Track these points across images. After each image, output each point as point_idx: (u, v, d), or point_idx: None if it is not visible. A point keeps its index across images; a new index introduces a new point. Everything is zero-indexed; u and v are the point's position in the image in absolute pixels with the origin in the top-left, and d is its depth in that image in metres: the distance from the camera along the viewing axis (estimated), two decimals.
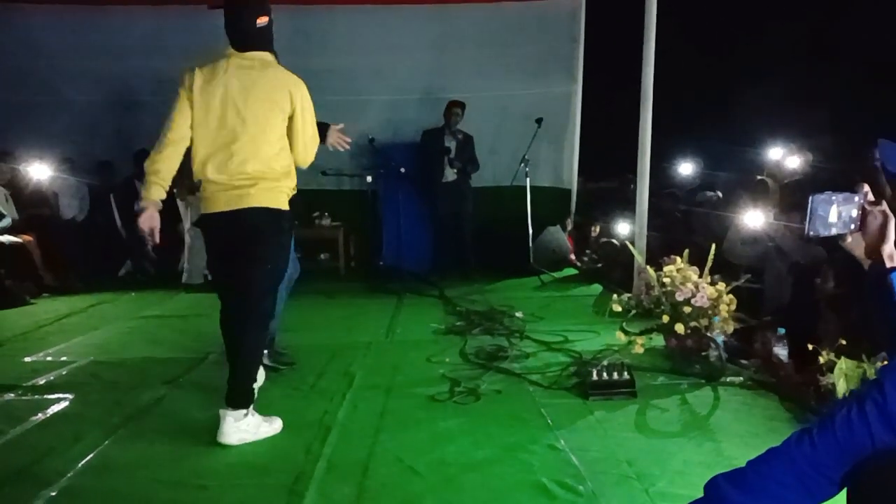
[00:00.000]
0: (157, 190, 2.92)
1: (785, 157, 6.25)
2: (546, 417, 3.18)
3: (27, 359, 4.32)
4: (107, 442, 2.97)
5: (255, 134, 2.98)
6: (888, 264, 1.55)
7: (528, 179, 7.28)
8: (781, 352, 3.70)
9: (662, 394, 3.49)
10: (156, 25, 7.54)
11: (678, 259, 4.08)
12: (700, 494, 1.52)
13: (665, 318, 3.92)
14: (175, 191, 6.14)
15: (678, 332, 3.84)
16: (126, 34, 7.61)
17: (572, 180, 8.40)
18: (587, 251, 7.59)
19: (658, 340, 4.15)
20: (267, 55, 3.09)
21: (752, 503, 1.43)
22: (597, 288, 6.44)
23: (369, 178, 7.44)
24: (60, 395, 3.57)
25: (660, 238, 5.70)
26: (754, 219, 4.66)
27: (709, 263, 3.99)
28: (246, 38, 3.03)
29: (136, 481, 2.62)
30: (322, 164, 7.37)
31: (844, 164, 5.64)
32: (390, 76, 7.92)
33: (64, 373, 4.00)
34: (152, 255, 7.15)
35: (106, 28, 7.65)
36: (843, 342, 3.17)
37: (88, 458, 2.81)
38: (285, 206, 3.10)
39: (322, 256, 7.74)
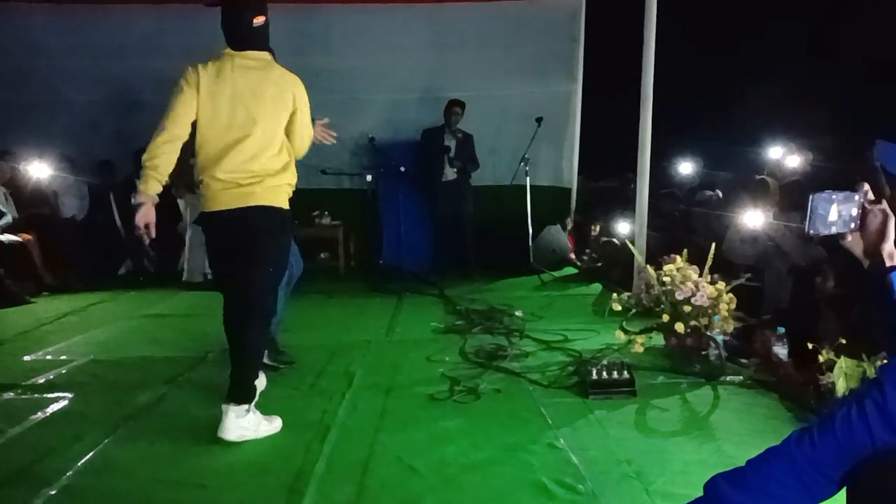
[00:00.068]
0: (154, 184, 2.92)
1: (785, 157, 6.25)
2: (546, 416, 3.18)
3: (27, 358, 4.32)
4: (106, 441, 2.97)
5: (263, 133, 3.03)
6: (888, 263, 1.55)
7: (528, 179, 7.28)
8: (781, 351, 3.70)
9: (662, 393, 3.49)
10: (156, 25, 7.54)
11: (678, 258, 4.08)
12: (700, 494, 1.52)
13: (665, 318, 3.92)
14: (173, 189, 6.15)
15: (678, 331, 3.85)
16: (126, 34, 7.61)
17: (572, 180, 8.40)
18: (587, 250, 7.59)
19: (658, 339, 4.15)
20: (267, 55, 3.12)
21: (751, 502, 1.43)
22: (596, 287, 6.44)
23: (369, 178, 7.44)
24: (60, 395, 3.57)
25: (659, 237, 5.70)
26: (754, 218, 4.66)
27: (709, 262, 3.99)
28: (243, 38, 3.04)
29: (135, 480, 2.62)
30: (322, 163, 7.39)
31: (844, 163, 5.64)
32: (390, 75, 7.92)
33: (64, 372, 4.00)
34: (152, 254, 7.15)
35: (106, 28, 7.66)
36: (843, 341, 3.17)
37: (88, 457, 2.81)
38: (287, 206, 3.14)
39: (322, 256, 7.74)
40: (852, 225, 1.59)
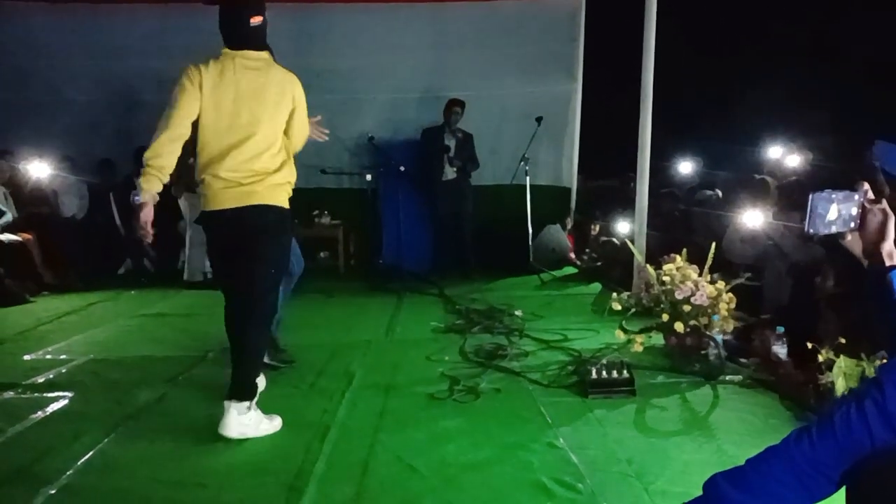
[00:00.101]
0: (156, 183, 2.92)
1: (784, 156, 6.25)
2: (545, 416, 3.18)
3: (27, 357, 4.31)
4: (106, 440, 2.97)
5: (265, 133, 3.05)
6: (887, 262, 1.55)
7: (527, 178, 7.29)
8: (781, 350, 3.70)
9: (662, 392, 3.49)
10: (156, 25, 7.54)
11: (678, 258, 4.09)
12: (699, 493, 1.52)
13: (664, 317, 3.92)
14: (173, 189, 6.14)
15: (678, 330, 3.85)
16: (127, 34, 7.61)
17: (572, 179, 8.40)
18: (587, 250, 7.59)
19: (657, 339, 4.15)
20: (266, 54, 3.13)
21: (751, 502, 1.43)
22: (596, 286, 6.44)
23: (369, 177, 7.44)
24: (60, 394, 3.57)
25: (659, 237, 5.70)
26: (753, 218, 4.66)
27: (708, 262, 3.99)
28: (240, 37, 3.05)
29: (135, 480, 2.62)
30: (322, 162, 7.40)
31: (844, 163, 5.64)
32: (390, 75, 7.92)
33: (63, 371, 4.00)
34: (151, 254, 7.15)
35: (106, 27, 7.65)
36: (843, 341, 3.17)
37: (88, 456, 2.81)
38: (287, 206, 3.16)
39: (321, 255, 7.74)
40: (852, 224, 1.59)
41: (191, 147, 3.06)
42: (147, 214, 2.90)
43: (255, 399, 3.03)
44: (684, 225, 6.16)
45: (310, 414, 3.25)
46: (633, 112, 5.51)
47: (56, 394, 3.57)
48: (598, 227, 7.54)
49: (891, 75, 8.26)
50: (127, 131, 7.58)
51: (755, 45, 9.81)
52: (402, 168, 7.22)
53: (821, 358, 3.17)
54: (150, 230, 2.91)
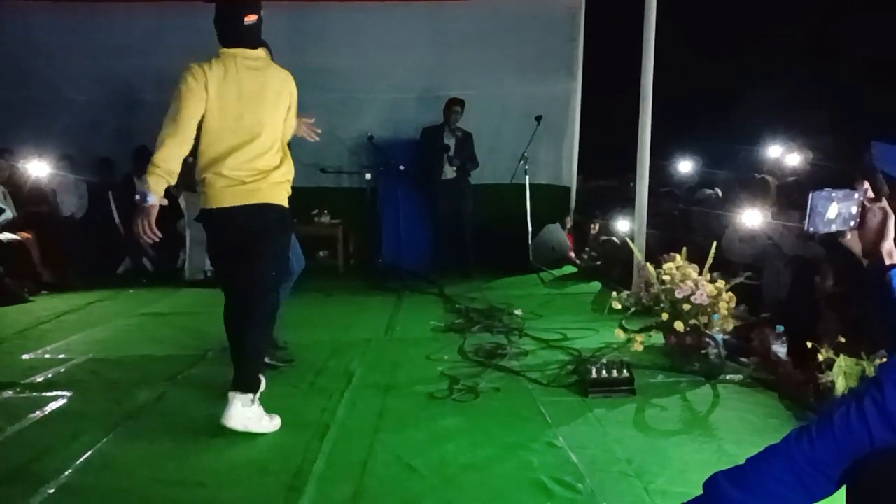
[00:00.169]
0: (164, 186, 2.93)
1: (784, 156, 6.25)
2: (545, 415, 3.18)
3: (25, 356, 4.31)
4: (105, 440, 2.97)
5: (269, 132, 3.08)
6: (887, 261, 1.55)
7: (527, 177, 7.28)
8: (780, 349, 3.70)
9: (662, 392, 3.49)
10: (155, 23, 7.53)
11: (677, 257, 4.08)
12: (699, 492, 1.52)
13: (664, 316, 3.92)
14: (173, 188, 6.13)
15: (677, 329, 3.84)
16: (126, 33, 7.60)
17: (572, 178, 8.39)
18: (586, 249, 7.57)
19: (657, 338, 4.15)
20: (263, 53, 3.15)
21: (751, 501, 1.43)
22: (596, 286, 6.43)
23: (368, 176, 7.44)
24: (59, 393, 3.56)
25: (659, 236, 5.70)
26: (753, 217, 4.66)
27: (709, 261, 3.99)
28: (235, 35, 3.05)
29: (135, 479, 2.61)
30: (321, 161, 7.39)
31: (844, 163, 5.64)
32: (390, 74, 7.91)
33: (62, 370, 4.00)
34: (151, 253, 7.14)
35: (106, 26, 7.64)
36: (843, 340, 3.17)
37: (87, 455, 2.81)
38: (287, 205, 3.18)
39: (321, 254, 7.73)
40: (852, 223, 1.58)
41: (191, 147, 3.06)
42: (153, 216, 2.90)
43: (259, 393, 3.04)
44: (684, 224, 6.16)
45: (309, 413, 3.25)
46: (633, 111, 5.50)
47: (55, 393, 3.57)
48: (597, 226, 7.53)
49: (891, 75, 8.25)
50: (126, 130, 7.59)
51: (755, 45, 9.81)
52: (401, 167, 7.21)
53: (821, 357, 3.17)
54: (156, 232, 2.92)
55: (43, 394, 3.59)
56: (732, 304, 3.89)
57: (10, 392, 3.62)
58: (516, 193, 7.36)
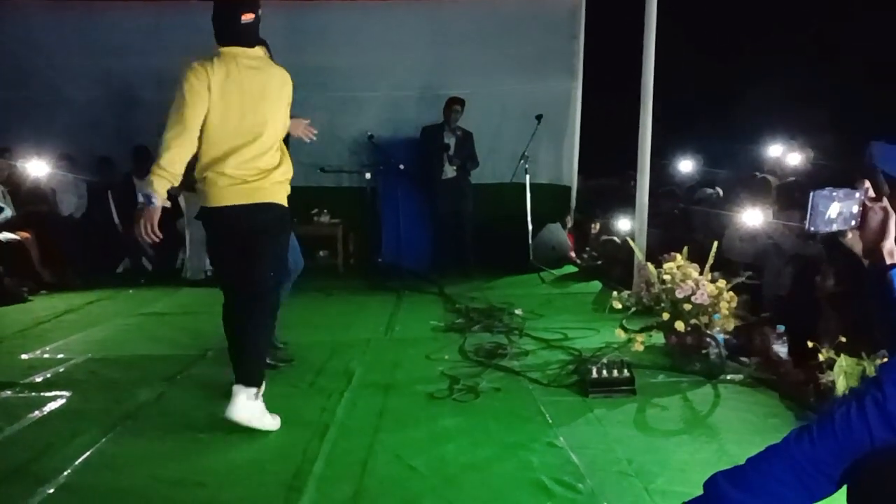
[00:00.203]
0: (167, 187, 2.94)
1: (785, 155, 6.24)
2: (545, 415, 3.17)
3: (25, 356, 4.30)
4: (105, 439, 2.96)
5: (270, 132, 3.10)
6: (888, 261, 1.54)
7: (527, 176, 7.27)
8: (781, 349, 3.69)
9: (662, 391, 3.49)
10: (153, 22, 7.52)
11: (678, 256, 4.07)
12: (700, 492, 1.51)
13: (665, 316, 3.91)
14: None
15: (678, 329, 3.84)
16: (125, 31, 7.59)
17: (572, 177, 8.39)
18: (587, 248, 7.57)
19: (658, 338, 4.14)
20: (261, 52, 3.16)
21: (751, 501, 1.43)
22: (596, 285, 6.43)
23: (368, 175, 7.43)
24: (58, 393, 3.56)
25: (659, 235, 5.69)
26: (753, 217, 4.65)
27: (710, 261, 3.98)
28: (231, 34, 3.05)
29: (134, 478, 2.61)
30: (321, 161, 7.38)
31: (845, 162, 5.64)
32: (389, 73, 7.90)
33: (62, 370, 3.99)
34: (150, 252, 7.13)
35: (105, 25, 7.63)
36: (843, 339, 3.16)
37: (86, 455, 2.80)
38: (287, 204, 3.19)
39: (321, 254, 7.72)
40: (853, 222, 1.58)
41: None
42: (157, 217, 2.91)
43: (263, 389, 3.04)
44: (684, 223, 6.15)
45: (309, 413, 3.24)
46: (634, 110, 5.49)
47: (54, 393, 3.56)
48: (598, 226, 7.52)
49: (891, 75, 8.25)
50: (126, 129, 7.58)
51: (755, 44, 9.80)
52: (401, 166, 7.20)
53: (821, 357, 3.16)
54: (159, 233, 2.92)
55: (42, 393, 3.58)
56: (733, 304, 3.88)
57: (10, 392, 3.62)
58: (516, 193, 7.35)
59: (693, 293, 3.82)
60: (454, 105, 7.18)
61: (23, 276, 6.31)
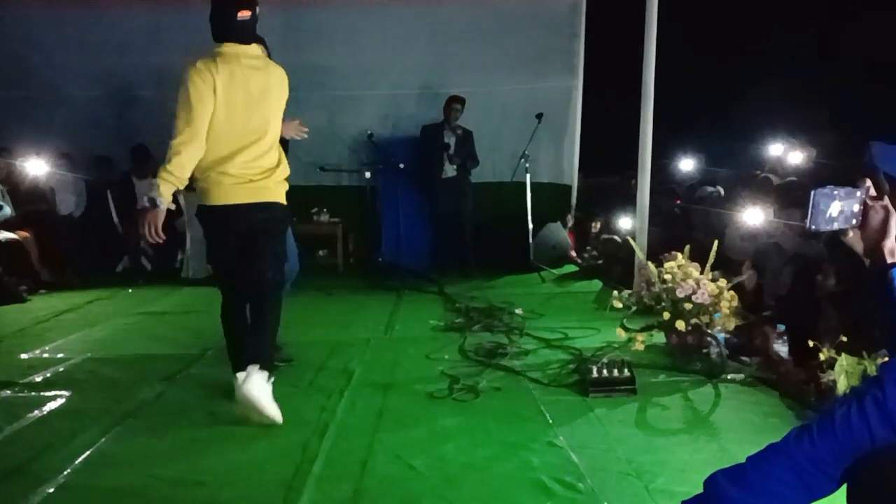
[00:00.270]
0: (172, 191, 2.95)
1: (786, 154, 6.24)
2: (546, 415, 3.17)
3: (24, 355, 4.30)
4: (104, 439, 2.96)
5: (272, 132, 3.13)
6: (889, 260, 1.54)
7: (528, 175, 7.26)
8: (782, 349, 3.69)
9: (663, 391, 3.48)
10: (154, 21, 7.51)
11: (679, 255, 4.07)
12: (700, 491, 1.51)
13: (666, 315, 3.90)
14: None
15: (679, 328, 3.83)
16: (125, 30, 7.58)
17: (573, 176, 8.37)
18: (587, 247, 7.56)
19: (659, 337, 4.14)
20: (260, 51, 3.17)
21: (751, 499, 1.43)
22: (597, 284, 6.42)
23: (368, 174, 7.42)
24: (57, 392, 3.55)
25: (660, 234, 5.69)
26: (754, 216, 4.65)
27: (710, 260, 3.97)
28: (228, 31, 3.06)
29: (134, 478, 2.60)
30: (320, 159, 7.38)
31: (845, 161, 5.63)
32: (389, 71, 7.89)
33: (61, 369, 3.99)
34: (149, 251, 7.13)
35: (105, 24, 7.62)
36: (844, 339, 3.16)
37: (86, 454, 2.80)
38: (286, 202, 3.22)
39: (320, 253, 7.73)
40: (854, 221, 1.57)
41: None
42: (161, 220, 2.92)
43: (272, 378, 3.06)
44: (685, 222, 6.15)
45: (308, 412, 3.24)
46: (635, 108, 5.48)
47: (54, 392, 3.56)
48: (598, 225, 7.52)
49: (891, 75, 8.24)
50: (125, 128, 7.58)
51: (756, 43, 9.79)
52: (401, 165, 7.19)
53: (822, 356, 3.16)
54: (163, 234, 2.93)
55: (42, 393, 3.58)
56: (734, 303, 3.88)
57: (9, 391, 3.62)
58: (517, 191, 7.34)
59: (694, 292, 3.81)
60: (454, 104, 7.17)
61: (22, 275, 6.30)
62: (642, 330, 4.04)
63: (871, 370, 2.86)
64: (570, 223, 8.04)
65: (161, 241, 2.98)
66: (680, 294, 3.83)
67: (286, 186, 3.21)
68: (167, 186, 2.89)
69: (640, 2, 5.42)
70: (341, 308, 5.72)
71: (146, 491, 2.50)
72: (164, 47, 6.85)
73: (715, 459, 2.63)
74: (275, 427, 3.02)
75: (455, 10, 7.82)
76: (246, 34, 3.08)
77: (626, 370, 3.47)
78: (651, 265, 4.11)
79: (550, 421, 3.09)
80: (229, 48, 3.03)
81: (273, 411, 3.00)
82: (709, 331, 3.82)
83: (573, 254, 7.58)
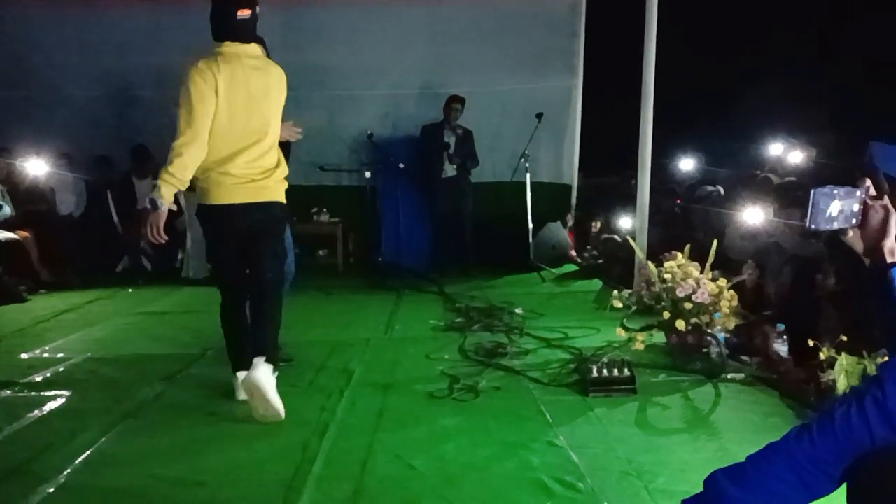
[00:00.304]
0: (174, 193, 2.96)
1: (786, 153, 6.24)
2: (546, 414, 3.17)
3: (24, 355, 4.30)
4: (104, 438, 2.96)
5: (273, 132, 3.14)
6: (889, 259, 1.54)
7: (528, 175, 7.26)
8: (782, 348, 3.69)
9: (663, 391, 3.48)
10: (153, 21, 7.51)
11: (679, 255, 4.07)
12: (700, 490, 1.51)
13: (666, 315, 3.90)
14: None
15: (679, 328, 3.83)
16: (125, 30, 7.58)
17: (573, 176, 8.37)
18: (587, 247, 7.56)
19: (659, 337, 4.14)
20: (259, 50, 3.17)
21: (750, 499, 1.43)
22: (597, 284, 6.41)
23: (368, 174, 7.41)
24: (57, 392, 3.55)
25: (660, 234, 5.69)
26: (754, 215, 4.65)
27: (710, 259, 3.97)
28: (227, 30, 3.06)
29: (134, 477, 2.60)
30: (320, 159, 7.38)
31: (845, 160, 5.64)
32: (389, 71, 7.88)
33: (61, 369, 3.99)
34: (149, 251, 7.13)
35: (105, 24, 7.62)
36: (844, 338, 3.16)
37: (86, 454, 2.80)
38: (285, 201, 3.24)
39: (320, 253, 7.72)
40: (853, 221, 1.57)
41: None
42: (163, 221, 2.94)
43: (276, 373, 3.07)
44: (685, 222, 6.15)
45: (308, 412, 3.24)
46: (635, 108, 5.48)
47: (54, 392, 3.56)
48: (598, 224, 7.52)
49: (891, 75, 8.24)
50: (125, 128, 7.58)
51: (756, 43, 9.79)
52: (401, 165, 7.19)
53: (822, 356, 3.16)
54: (164, 235, 2.95)
55: (42, 393, 3.58)
56: (734, 303, 3.88)
57: (9, 391, 3.62)
58: (517, 191, 7.34)
59: (694, 292, 3.81)
60: (454, 103, 7.17)
61: (22, 275, 6.30)
62: (642, 329, 4.03)
63: (871, 370, 2.86)
64: (570, 223, 8.04)
65: (163, 242, 2.99)
66: (680, 294, 3.83)
67: (286, 185, 3.22)
68: (168, 188, 2.89)
69: (640, 2, 5.42)
70: (341, 308, 5.72)
71: (146, 491, 2.50)
72: (164, 47, 6.85)
73: (715, 459, 2.63)
74: (275, 427, 3.03)
75: (455, 10, 7.81)
76: (246, 33, 3.08)
77: (626, 370, 3.47)
78: (651, 265, 4.11)
79: (550, 421, 3.09)
80: (230, 48, 3.03)
81: (278, 403, 3.01)
82: (709, 330, 3.82)
83: (573, 253, 7.58)
